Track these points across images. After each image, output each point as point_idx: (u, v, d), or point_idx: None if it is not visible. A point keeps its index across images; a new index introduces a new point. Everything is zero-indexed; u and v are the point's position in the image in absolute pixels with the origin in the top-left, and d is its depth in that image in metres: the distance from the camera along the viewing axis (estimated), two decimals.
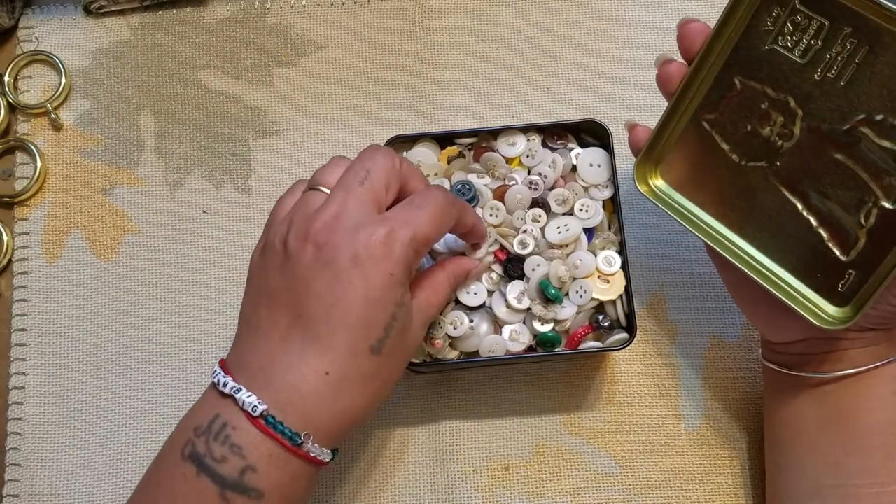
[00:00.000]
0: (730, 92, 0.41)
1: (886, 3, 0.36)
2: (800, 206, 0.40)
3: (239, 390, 0.36)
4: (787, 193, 0.41)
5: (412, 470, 0.50)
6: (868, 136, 0.38)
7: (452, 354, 0.46)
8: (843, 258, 0.39)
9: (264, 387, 0.36)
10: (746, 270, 0.42)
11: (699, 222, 0.44)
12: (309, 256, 0.37)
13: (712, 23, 0.41)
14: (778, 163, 0.41)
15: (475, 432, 0.50)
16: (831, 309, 0.40)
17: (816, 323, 0.39)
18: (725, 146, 0.42)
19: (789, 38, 0.39)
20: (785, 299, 0.40)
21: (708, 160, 0.43)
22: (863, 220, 0.39)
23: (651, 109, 0.54)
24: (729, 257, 0.42)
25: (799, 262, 0.41)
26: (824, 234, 0.40)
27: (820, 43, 0.38)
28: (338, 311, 0.36)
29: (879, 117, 0.37)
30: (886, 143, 0.37)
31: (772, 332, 0.44)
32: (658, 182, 0.45)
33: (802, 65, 0.39)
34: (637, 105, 0.55)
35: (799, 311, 0.40)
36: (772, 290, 0.41)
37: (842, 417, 0.42)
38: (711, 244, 0.43)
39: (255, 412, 0.35)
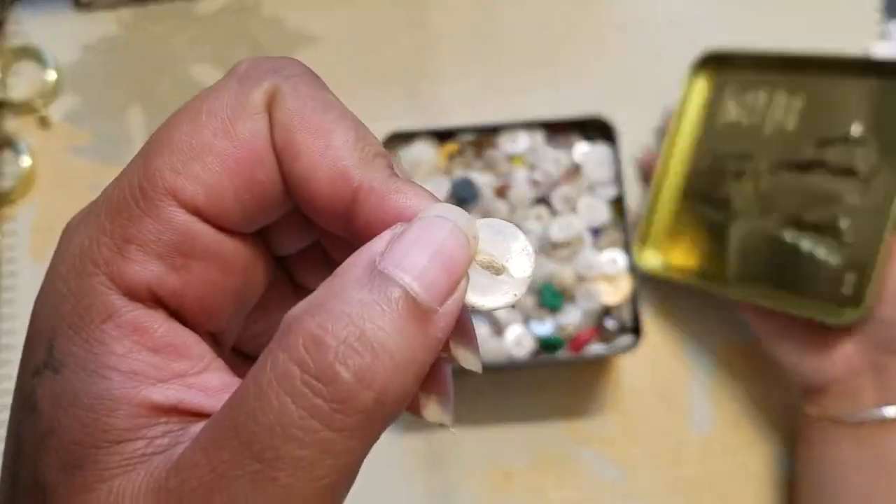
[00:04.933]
0: (700, 164, 0.50)
1: (798, 53, 0.47)
2: (787, 237, 0.46)
3: None
4: (772, 230, 0.47)
5: (408, 477, 0.50)
6: (824, 160, 0.46)
7: None
8: (837, 265, 0.45)
9: None
10: (764, 302, 0.46)
11: (711, 281, 0.49)
12: None
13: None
14: (758, 208, 0.48)
15: (475, 438, 0.51)
16: (846, 312, 0.44)
17: (837, 321, 0.44)
18: (710, 210, 0.49)
19: (740, 105, 0.50)
20: (805, 313, 0.45)
21: (697, 226, 0.50)
22: (843, 227, 0.45)
23: (656, 105, 0.54)
24: (748, 299, 0.47)
25: (802, 283, 0.46)
26: (815, 252, 0.46)
27: (767, 101, 0.48)
28: None
29: (827, 143, 0.46)
30: (836, 160, 0.46)
31: (815, 373, 0.45)
32: (660, 258, 0.50)
33: (757, 122, 0.49)
34: (643, 100, 0.56)
35: (819, 318, 0.44)
36: (792, 311, 0.45)
37: (882, 459, 0.43)
38: (729, 296, 0.48)
39: None
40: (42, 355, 0.17)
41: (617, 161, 0.48)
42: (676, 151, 0.51)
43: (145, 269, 0.16)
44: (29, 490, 0.16)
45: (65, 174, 0.56)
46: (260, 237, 0.18)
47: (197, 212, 0.16)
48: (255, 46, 0.57)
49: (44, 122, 0.56)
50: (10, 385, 0.54)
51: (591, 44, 0.57)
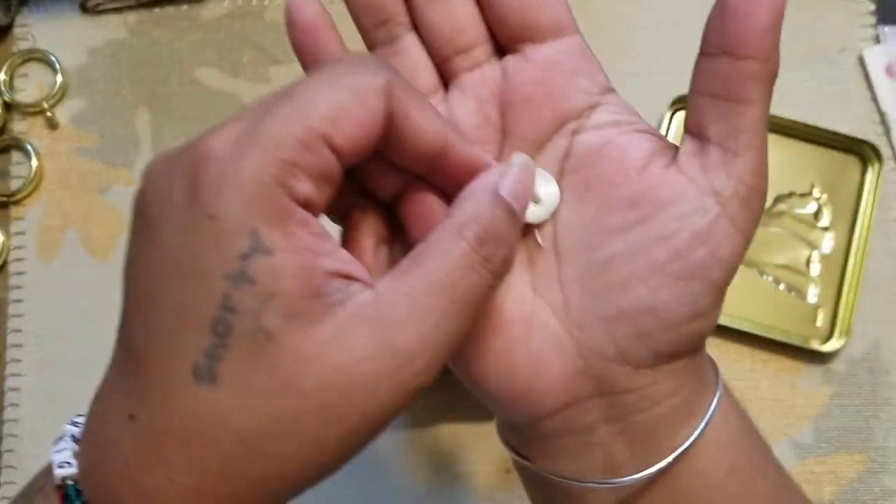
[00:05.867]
0: None
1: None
2: (763, 277, 0.52)
3: (60, 439, 0.25)
4: (747, 270, 0.52)
5: (408, 472, 0.51)
6: (787, 209, 0.53)
7: None
8: (809, 302, 0.52)
9: (86, 435, 0.24)
10: (750, 330, 0.51)
11: None
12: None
13: None
14: None
15: (476, 433, 0.52)
16: (823, 344, 0.51)
17: (820, 348, 0.51)
18: None
19: None
20: (783, 340, 0.51)
21: None
22: (811, 272, 0.52)
23: (656, 109, 0.55)
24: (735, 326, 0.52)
25: (778, 318, 0.52)
26: (788, 291, 0.52)
27: None
28: (148, 302, 0.23)
29: (788, 193, 0.53)
30: (800, 211, 0.53)
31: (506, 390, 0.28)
32: None
33: None
34: (641, 105, 0.56)
35: (800, 346, 0.51)
36: (773, 337, 0.51)
37: None
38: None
39: (58, 477, 0.23)
40: (247, 243, 0.22)
41: None
42: None
43: (306, 186, 0.23)
44: (251, 336, 0.22)
45: (72, 175, 0.57)
46: None
47: (336, 152, 0.23)
48: (259, 50, 0.58)
49: (51, 124, 0.57)
50: (20, 382, 0.55)
51: (590, 44, 0.57)
